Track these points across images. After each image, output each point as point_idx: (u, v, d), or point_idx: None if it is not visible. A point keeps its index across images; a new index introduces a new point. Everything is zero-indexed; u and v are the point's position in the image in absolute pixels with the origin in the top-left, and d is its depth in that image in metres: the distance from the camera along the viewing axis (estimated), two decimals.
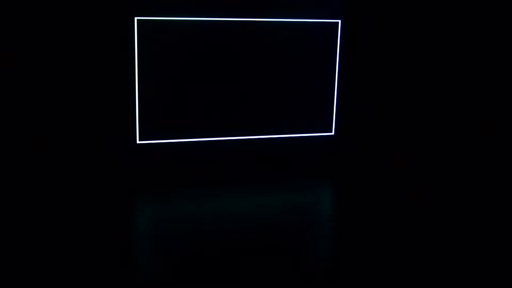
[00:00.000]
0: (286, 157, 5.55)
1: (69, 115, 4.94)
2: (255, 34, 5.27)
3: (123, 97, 5.02)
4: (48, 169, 4.89)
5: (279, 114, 5.49)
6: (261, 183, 5.26)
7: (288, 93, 5.47)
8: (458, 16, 5.58)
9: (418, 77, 5.73)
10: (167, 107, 5.16)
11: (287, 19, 5.31)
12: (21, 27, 4.68)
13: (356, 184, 5.30)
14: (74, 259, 3.67)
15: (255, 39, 5.28)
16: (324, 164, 5.62)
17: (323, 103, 5.60)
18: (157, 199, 4.88)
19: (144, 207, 4.76)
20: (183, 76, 5.16)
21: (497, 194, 4.97)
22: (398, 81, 5.72)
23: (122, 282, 3.46)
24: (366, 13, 5.51)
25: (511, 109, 5.58)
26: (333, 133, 5.67)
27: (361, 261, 3.80)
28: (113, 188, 4.89)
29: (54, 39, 4.78)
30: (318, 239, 4.29)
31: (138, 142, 5.13)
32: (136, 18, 4.91)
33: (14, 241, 3.88)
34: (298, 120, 5.56)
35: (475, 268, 3.70)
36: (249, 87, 5.35)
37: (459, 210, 4.65)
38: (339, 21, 5.45)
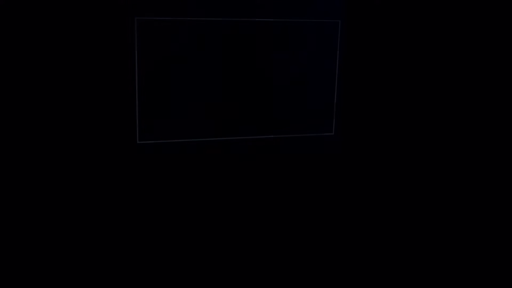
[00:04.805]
0: (286, 157, 5.55)
1: (69, 115, 4.93)
2: (255, 34, 5.26)
3: (123, 97, 5.02)
4: (48, 169, 4.89)
5: (279, 114, 5.48)
6: (261, 183, 5.26)
7: (288, 93, 5.47)
8: (458, 16, 5.58)
9: (418, 77, 5.72)
10: (167, 107, 5.16)
11: (287, 19, 5.30)
12: (20, 26, 4.67)
13: (355, 184, 5.30)
14: (74, 259, 3.68)
15: (255, 39, 5.28)
16: (324, 164, 5.61)
17: (323, 103, 5.60)
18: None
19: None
20: (183, 76, 5.16)
21: (497, 194, 4.97)
22: (398, 81, 5.72)
23: (123, 284, 3.47)
24: (366, 13, 5.50)
25: (511, 109, 5.57)
26: (333, 133, 5.67)
27: (361, 261, 3.81)
28: (113, 188, 4.89)
29: (54, 39, 4.77)
30: (318, 238, 4.29)
31: (138, 142, 5.13)
32: (136, 18, 4.91)
33: (15, 241, 3.88)
34: (298, 120, 5.55)
35: (475, 268, 3.70)
36: (249, 87, 5.35)
37: (459, 210, 4.65)
38: (339, 21, 5.45)
